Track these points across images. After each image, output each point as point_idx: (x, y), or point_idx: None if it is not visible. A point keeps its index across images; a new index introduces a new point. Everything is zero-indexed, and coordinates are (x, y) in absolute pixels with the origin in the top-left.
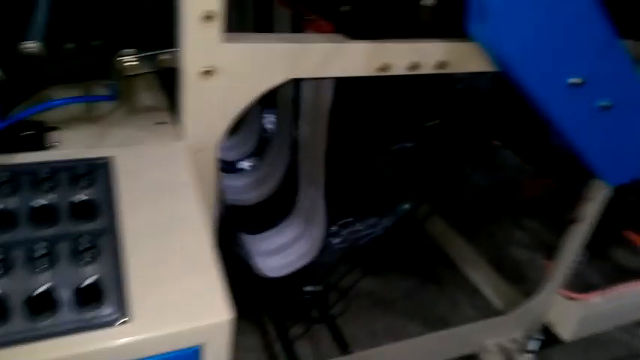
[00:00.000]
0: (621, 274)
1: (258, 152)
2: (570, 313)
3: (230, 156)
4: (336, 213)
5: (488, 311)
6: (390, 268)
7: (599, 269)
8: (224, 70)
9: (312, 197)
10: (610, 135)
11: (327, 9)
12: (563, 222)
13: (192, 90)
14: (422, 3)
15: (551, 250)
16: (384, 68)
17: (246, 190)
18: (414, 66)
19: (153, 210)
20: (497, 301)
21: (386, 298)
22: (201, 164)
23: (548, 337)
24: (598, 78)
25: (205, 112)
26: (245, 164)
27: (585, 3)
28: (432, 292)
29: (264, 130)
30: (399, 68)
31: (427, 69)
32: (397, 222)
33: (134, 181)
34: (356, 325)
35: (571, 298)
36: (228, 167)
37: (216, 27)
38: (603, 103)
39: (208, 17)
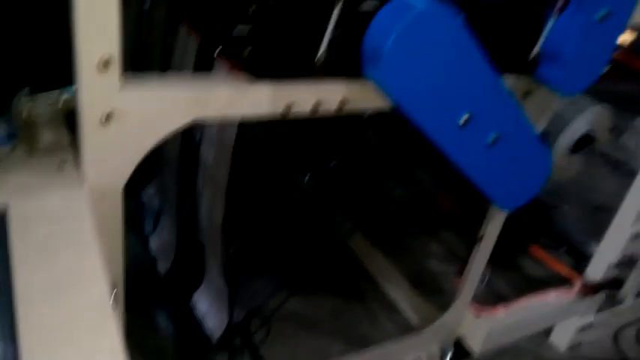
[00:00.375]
0: (529, 285)
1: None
2: (479, 327)
3: None
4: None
5: (407, 327)
6: (314, 287)
7: (509, 280)
8: (125, 115)
9: (216, 279)
10: (500, 166)
11: (231, 49)
12: (473, 238)
13: (92, 136)
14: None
15: (461, 265)
16: (289, 107)
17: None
18: (318, 105)
19: (49, 266)
20: (414, 317)
21: (310, 318)
22: (105, 212)
23: (462, 351)
24: (485, 115)
25: (107, 157)
26: None
27: (466, 46)
28: (356, 310)
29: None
30: (304, 107)
31: (331, 108)
32: None
33: (30, 234)
34: (279, 348)
35: (479, 313)
36: None
37: (114, 72)
38: (491, 137)
39: (106, 63)
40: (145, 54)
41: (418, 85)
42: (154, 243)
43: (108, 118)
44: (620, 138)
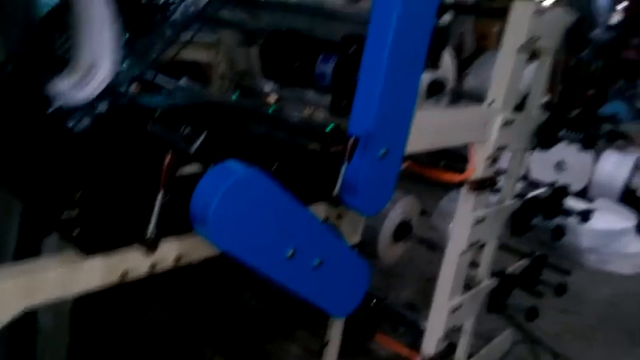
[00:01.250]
0: None
1: None
2: None
3: None
4: None
5: None
6: None
7: None
8: None
9: None
10: (327, 282)
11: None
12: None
13: None
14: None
15: None
16: (124, 274)
17: None
18: (154, 265)
19: None
20: None
21: None
22: None
23: None
24: (307, 246)
25: None
26: None
27: (280, 198)
28: None
29: None
30: (140, 271)
31: (167, 265)
32: None
33: None
34: None
35: None
36: None
37: None
38: (315, 262)
39: None
40: None
41: (245, 236)
42: None
43: None
44: (430, 219)
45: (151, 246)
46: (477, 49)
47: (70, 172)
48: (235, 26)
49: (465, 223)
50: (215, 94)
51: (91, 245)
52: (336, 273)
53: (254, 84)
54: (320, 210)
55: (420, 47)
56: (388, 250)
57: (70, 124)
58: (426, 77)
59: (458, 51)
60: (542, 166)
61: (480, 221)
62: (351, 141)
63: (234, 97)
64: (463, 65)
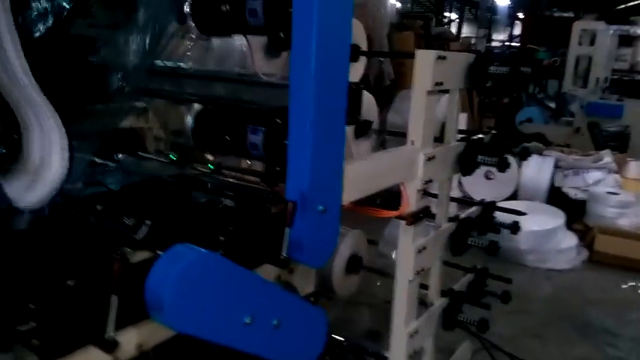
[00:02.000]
0: None
1: None
2: None
3: None
4: None
5: None
6: None
7: None
8: None
9: None
10: (288, 339)
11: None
12: None
13: None
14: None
15: None
16: None
17: None
18: (118, 357)
19: None
20: None
21: None
22: None
23: None
24: (263, 310)
25: None
26: None
27: (230, 272)
28: None
29: None
30: None
31: (130, 355)
32: None
33: None
34: None
35: None
36: None
37: None
38: (274, 322)
39: None
40: None
41: (202, 315)
42: None
43: None
44: (377, 248)
45: (112, 345)
46: (396, 74)
47: (21, 281)
48: (163, 95)
49: (408, 253)
50: (153, 164)
51: (52, 353)
52: (295, 328)
53: (189, 141)
54: (270, 269)
55: (340, 106)
56: (343, 283)
57: (14, 223)
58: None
59: (378, 80)
60: (473, 177)
61: (421, 250)
62: (290, 206)
63: (172, 157)
64: (384, 97)
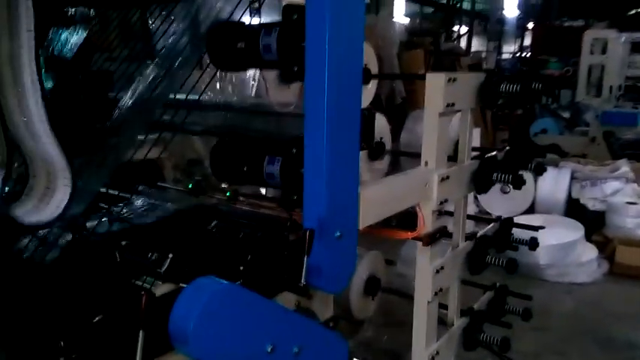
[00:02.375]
0: None
1: None
2: None
3: None
4: None
5: None
6: None
7: None
8: None
9: None
10: None
11: None
12: None
13: None
14: None
15: None
16: None
17: None
18: None
19: None
20: None
21: None
22: None
23: None
24: (284, 338)
25: None
26: None
27: (251, 303)
28: None
29: None
30: None
31: None
32: None
33: None
34: None
35: None
36: None
37: None
38: (295, 350)
39: None
40: None
41: (225, 346)
42: None
43: None
44: (395, 268)
45: None
46: (407, 92)
47: (50, 318)
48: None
49: (426, 274)
50: (172, 194)
51: None
52: (316, 355)
53: (206, 169)
54: (290, 296)
55: (353, 133)
56: (362, 306)
57: (38, 255)
58: None
59: (390, 99)
60: (489, 192)
61: (439, 270)
62: (308, 234)
63: (190, 186)
64: (396, 116)
